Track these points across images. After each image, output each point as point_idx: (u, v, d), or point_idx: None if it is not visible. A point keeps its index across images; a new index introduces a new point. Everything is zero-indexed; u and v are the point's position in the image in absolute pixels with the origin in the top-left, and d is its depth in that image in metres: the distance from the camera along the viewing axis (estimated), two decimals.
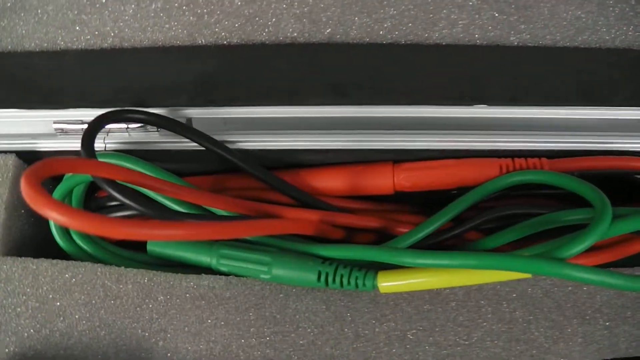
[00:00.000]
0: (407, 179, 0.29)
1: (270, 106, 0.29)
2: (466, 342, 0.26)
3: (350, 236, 0.29)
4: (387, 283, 0.25)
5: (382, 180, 0.29)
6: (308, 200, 0.29)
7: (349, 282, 0.25)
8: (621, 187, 0.31)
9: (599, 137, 0.30)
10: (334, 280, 0.26)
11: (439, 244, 0.29)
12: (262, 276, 0.26)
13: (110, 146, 0.30)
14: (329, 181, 0.30)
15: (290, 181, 0.29)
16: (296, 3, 0.28)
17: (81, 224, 0.20)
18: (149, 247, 0.28)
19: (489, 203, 0.30)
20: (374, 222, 0.29)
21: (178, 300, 0.27)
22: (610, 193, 0.30)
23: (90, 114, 0.28)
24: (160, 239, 0.26)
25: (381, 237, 0.29)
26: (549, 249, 0.24)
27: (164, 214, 0.27)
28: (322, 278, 0.26)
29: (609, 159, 0.29)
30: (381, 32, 0.29)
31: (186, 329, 0.26)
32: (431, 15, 0.29)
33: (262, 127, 0.29)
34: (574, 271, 0.24)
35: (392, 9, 0.28)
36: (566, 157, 0.29)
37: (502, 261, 0.24)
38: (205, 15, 0.29)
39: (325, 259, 0.26)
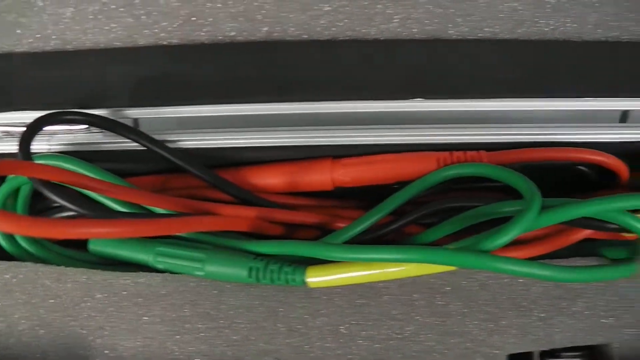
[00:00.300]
0: (345, 174, 0.29)
1: (211, 105, 0.29)
2: (399, 336, 0.27)
3: (292, 232, 0.29)
4: (315, 278, 0.25)
5: (321, 176, 0.29)
6: (248, 197, 0.29)
7: (279, 278, 0.26)
8: (566, 178, 0.31)
9: (541, 129, 0.30)
10: (264, 276, 0.26)
11: (379, 239, 0.29)
12: (197, 273, 0.27)
13: (56, 148, 0.30)
14: (270, 178, 0.30)
15: (232, 179, 0.30)
16: (230, 2, 0.28)
17: (9, 227, 0.20)
18: (91, 247, 0.28)
19: (432, 197, 0.30)
20: (314, 217, 0.29)
21: (116, 298, 0.27)
22: (554, 184, 0.30)
23: (35, 116, 0.29)
24: (94, 236, 0.27)
25: (324, 233, 0.29)
26: (477, 241, 0.24)
27: (102, 214, 0.28)
28: (253, 274, 0.26)
29: (549, 150, 0.29)
30: (318, 29, 0.29)
31: (123, 325, 0.27)
32: (366, 11, 0.29)
33: (204, 125, 0.30)
34: (499, 263, 0.24)
35: (327, 5, 0.28)
36: (506, 150, 0.29)
37: (426, 254, 0.24)
38: (143, 17, 0.29)
39: (257, 255, 0.27)
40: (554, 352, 0.28)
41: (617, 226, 0.26)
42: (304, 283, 0.26)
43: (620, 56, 0.31)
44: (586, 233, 0.28)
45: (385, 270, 0.25)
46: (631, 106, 0.31)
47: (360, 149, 0.29)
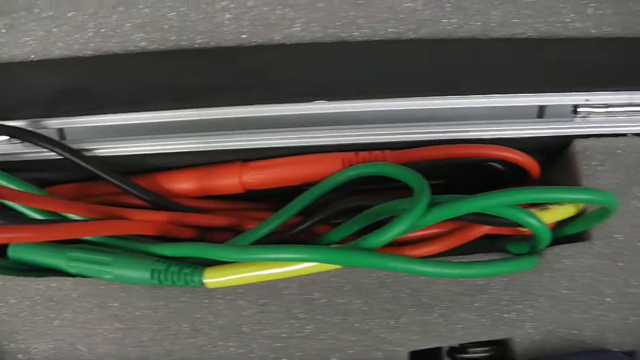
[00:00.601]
0: (253, 177, 0.30)
1: (124, 113, 0.30)
2: (300, 335, 0.27)
3: (204, 235, 0.30)
4: (212, 279, 0.26)
5: (230, 180, 0.30)
6: (160, 202, 0.30)
7: (179, 279, 0.26)
8: (481, 176, 0.31)
9: (449, 127, 0.30)
10: (166, 277, 0.27)
11: (289, 239, 0.29)
12: (105, 276, 0.27)
13: None
14: (182, 183, 0.31)
15: (147, 185, 0.30)
16: (134, 12, 0.29)
17: None
18: (10, 254, 0.29)
19: (343, 197, 0.30)
20: (224, 220, 0.30)
21: (28, 302, 0.28)
22: (472, 182, 0.30)
23: None
24: (4, 241, 0.28)
25: (236, 235, 0.30)
26: (364, 239, 0.25)
27: (17, 221, 0.29)
28: (155, 276, 0.27)
29: (451, 148, 0.29)
30: (224, 37, 0.30)
31: (36, 329, 0.28)
32: (267, 17, 0.29)
33: (119, 134, 0.31)
34: (384, 260, 0.24)
35: (227, 13, 0.29)
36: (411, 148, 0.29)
37: (312, 253, 0.24)
38: (55, 29, 0.30)
39: (161, 258, 0.27)
40: (462, 348, 0.29)
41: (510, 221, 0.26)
42: (202, 284, 0.26)
43: (526, 53, 0.31)
44: (485, 229, 0.28)
45: (274, 270, 0.25)
46: (546, 101, 0.31)
47: (268, 152, 0.30)
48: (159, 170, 0.31)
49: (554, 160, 0.32)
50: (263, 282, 0.27)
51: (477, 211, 0.25)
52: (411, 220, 0.24)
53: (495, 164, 0.31)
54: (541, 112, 0.33)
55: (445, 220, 0.28)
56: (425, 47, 0.30)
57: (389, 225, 0.24)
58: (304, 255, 0.24)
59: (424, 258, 0.25)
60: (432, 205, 0.25)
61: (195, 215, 0.29)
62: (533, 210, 0.27)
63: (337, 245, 0.25)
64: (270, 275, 0.25)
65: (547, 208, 0.27)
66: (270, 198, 0.32)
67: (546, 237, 0.26)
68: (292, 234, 0.29)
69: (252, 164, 0.30)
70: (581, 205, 0.28)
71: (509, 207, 0.25)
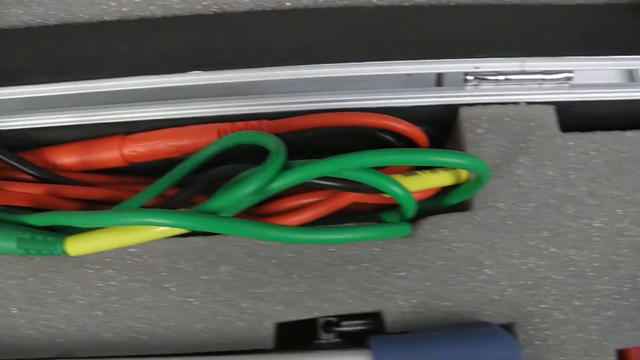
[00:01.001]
0: (134, 150, 0.30)
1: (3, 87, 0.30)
2: (165, 305, 0.27)
3: (88, 209, 0.30)
4: (74, 247, 0.26)
5: (111, 153, 0.30)
6: (44, 175, 0.30)
7: (45, 248, 0.26)
8: (373, 146, 0.31)
9: (335, 96, 0.30)
10: (32, 247, 0.26)
11: None
12: None
13: None
14: (66, 158, 0.31)
15: (34, 159, 0.31)
16: None
17: None
18: None
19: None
20: (105, 193, 0.30)
21: None
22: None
23: None
24: None
25: None
26: (211, 201, 0.24)
27: None
28: (22, 245, 0.27)
29: (332, 116, 0.29)
30: (103, 11, 0.30)
31: None
32: None
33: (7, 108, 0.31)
34: (220, 224, 0.23)
35: None
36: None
37: (160, 217, 0.24)
38: None
39: (31, 227, 0.27)
40: (337, 322, 0.28)
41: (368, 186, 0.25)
42: (64, 252, 0.26)
43: (416, 21, 0.30)
44: (352, 196, 0.27)
45: (128, 237, 0.25)
46: (436, 69, 0.30)
47: (149, 124, 0.30)
48: (48, 146, 0.31)
49: (449, 132, 0.31)
50: (129, 250, 0.27)
51: (332, 175, 0.25)
52: (260, 181, 0.24)
53: (386, 136, 0.30)
54: (439, 81, 0.33)
55: (316, 190, 0.28)
56: (307, 17, 0.30)
57: (238, 185, 0.24)
58: (150, 219, 0.24)
59: (286, 225, 0.24)
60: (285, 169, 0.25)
61: (73, 188, 0.29)
62: (398, 176, 0.26)
63: (181, 210, 0.25)
64: (122, 241, 0.25)
65: (415, 174, 0.26)
66: (160, 172, 0.31)
67: (408, 203, 0.25)
68: (172, 205, 0.29)
69: (131, 136, 0.30)
70: (462, 174, 0.27)
71: (365, 171, 0.25)
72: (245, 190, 0.24)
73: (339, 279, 0.27)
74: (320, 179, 0.26)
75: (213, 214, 0.24)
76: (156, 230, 0.25)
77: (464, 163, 0.25)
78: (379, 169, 0.28)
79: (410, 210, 0.26)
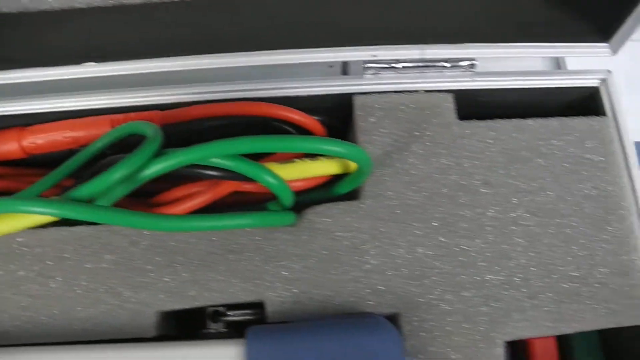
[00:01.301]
0: (32, 142, 0.30)
1: None
2: (49, 294, 0.27)
3: None
4: None
5: (10, 145, 0.30)
6: None
7: None
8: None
9: (223, 86, 0.29)
10: None
11: None
12: None
13: None
14: None
15: None
16: None
17: None
18: None
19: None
20: (3, 184, 0.30)
21: None
22: None
23: None
24: None
25: None
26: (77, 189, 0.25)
27: None
28: None
29: (223, 106, 0.29)
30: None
31: None
32: None
33: None
34: (91, 212, 0.23)
35: None
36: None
37: (25, 205, 0.24)
38: None
39: None
40: (224, 311, 0.27)
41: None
42: None
43: (314, 10, 0.30)
44: (232, 185, 0.27)
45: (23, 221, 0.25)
46: (338, 57, 0.30)
47: (46, 116, 0.30)
48: None
49: (350, 122, 0.31)
50: (17, 240, 0.27)
51: (203, 162, 0.25)
52: (129, 167, 0.24)
53: (284, 125, 0.30)
54: (345, 71, 0.32)
55: (200, 180, 0.28)
56: (208, 7, 0.30)
57: (106, 171, 0.24)
58: (21, 207, 0.24)
59: (160, 213, 0.24)
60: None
61: None
62: (272, 164, 0.26)
63: (54, 198, 0.25)
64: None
65: (293, 162, 0.26)
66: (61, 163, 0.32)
67: (282, 191, 0.25)
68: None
69: (29, 128, 0.30)
70: (350, 164, 0.27)
71: (236, 159, 0.25)
72: (113, 176, 0.24)
73: (221, 268, 0.26)
74: (197, 167, 0.25)
75: (88, 202, 0.24)
76: (26, 218, 0.25)
77: (340, 151, 0.24)
78: (263, 157, 0.28)
79: (286, 198, 0.26)
